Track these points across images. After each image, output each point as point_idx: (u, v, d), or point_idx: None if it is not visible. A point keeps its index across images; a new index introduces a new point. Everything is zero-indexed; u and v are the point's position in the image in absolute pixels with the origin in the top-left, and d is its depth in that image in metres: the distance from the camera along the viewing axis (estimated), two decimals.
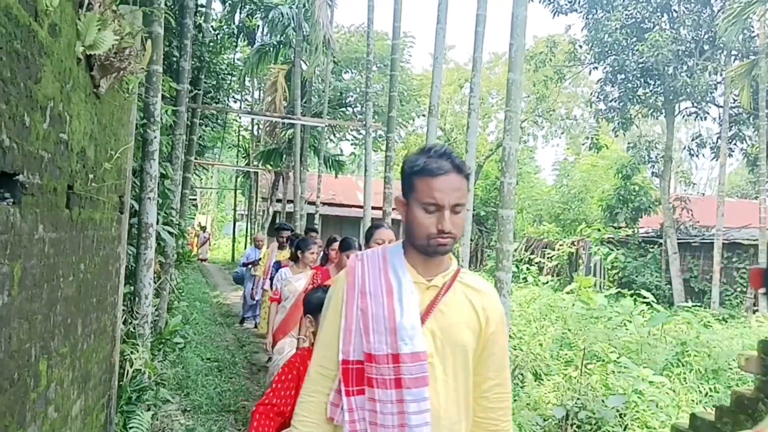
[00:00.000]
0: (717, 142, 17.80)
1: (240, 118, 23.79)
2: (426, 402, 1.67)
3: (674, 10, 17.13)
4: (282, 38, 16.27)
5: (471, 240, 13.47)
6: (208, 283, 16.94)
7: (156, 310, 6.48)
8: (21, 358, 2.06)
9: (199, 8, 9.99)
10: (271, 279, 7.05)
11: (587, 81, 27.37)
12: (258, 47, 17.00)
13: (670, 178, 18.53)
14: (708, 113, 18.42)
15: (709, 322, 10.57)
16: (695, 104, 17.96)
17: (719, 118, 17.69)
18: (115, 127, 3.52)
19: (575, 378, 6.05)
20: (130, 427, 4.05)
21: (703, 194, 31.78)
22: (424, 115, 25.69)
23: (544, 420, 5.30)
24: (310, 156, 18.15)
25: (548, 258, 19.70)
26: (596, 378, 6.02)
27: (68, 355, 2.72)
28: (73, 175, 2.60)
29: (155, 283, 6.03)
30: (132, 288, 4.98)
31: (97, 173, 3.04)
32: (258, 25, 16.41)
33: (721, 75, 16.63)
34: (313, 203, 16.14)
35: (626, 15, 16.87)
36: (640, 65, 16.63)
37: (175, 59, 8.14)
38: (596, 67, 19.23)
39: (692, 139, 19.55)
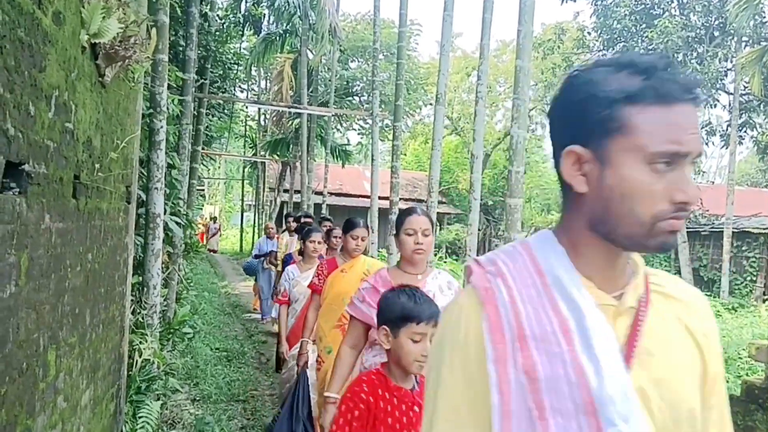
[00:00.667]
0: (727, 129, 17.64)
1: (247, 107, 23.76)
2: None
3: None
4: (288, 27, 16.20)
5: (479, 229, 13.43)
6: (217, 273, 17.01)
7: (164, 300, 6.50)
8: (29, 348, 2.06)
9: None
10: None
11: None
12: (264, 36, 16.95)
13: None
14: (718, 100, 18.25)
15: (718, 311, 10.52)
16: (705, 91, 17.75)
17: (729, 105, 17.50)
18: (121, 116, 3.50)
19: None
20: (140, 417, 4.07)
21: (713, 182, 31.56)
22: (431, 104, 25.62)
23: None
24: (316, 146, 18.12)
25: None
26: None
27: (77, 345, 2.72)
28: (79, 165, 2.59)
29: (163, 273, 6.05)
30: (140, 278, 4.98)
31: (103, 163, 3.03)
32: (264, 14, 16.36)
33: (731, 62, 16.44)
34: (320, 193, 16.14)
35: (635, 1, 16.72)
36: (650, 52, 16.46)
37: (181, 48, 8.11)
38: (605, 54, 19.03)
39: (702, 127, 19.38)
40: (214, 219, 27.13)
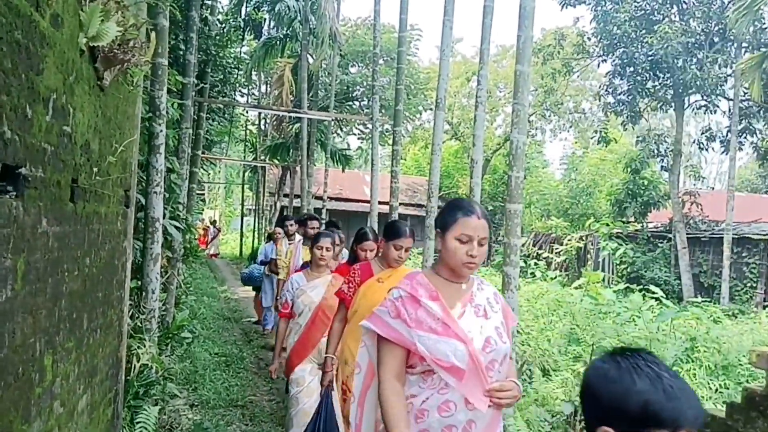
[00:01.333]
0: (727, 135, 17.64)
1: (247, 112, 23.77)
2: None
3: (684, 1, 16.98)
4: (288, 31, 16.22)
5: None
6: (216, 278, 16.97)
7: (163, 304, 6.48)
8: (25, 353, 2.04)
9: (205, 1, 9.96)
10: None
11: (596, 74, 27.23)
12: (264, 40, 16.97)
13: (679, 173, 18.41)
14: (718, 106, 18.27)
15: (718, 317, 10.48)
16: (705, 97, 17.81)
17: (729, 111, 17.52)
18: (120, 120, 3.49)
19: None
20: (138, 422, 4.04)
21: (713, 188, 31.58)
22: (431, 109, 25.60)
23: (552, 416, 5.27)
24: (317, 150, 18.12)
25: (556, 253, 19.62)
26: None
27: (74, 350, 2.70)
28: (77, 169, 2.57)
29: (162, 277, 6.03)
30: (139, 283, 4.97)
31: (101, 167, 3.02)
32: (264, 18, 16.38)
33: (731, 67, 16.46)
34: (320, 198, 16.13)
35: (635, 7, 16.74)
36: (650, 58, 16.50)
37: (181, 52, 8.10)
38: (605, 60, 19.10)
39: (702, 133, 19.38)
40: (213, 222, 27.07)
